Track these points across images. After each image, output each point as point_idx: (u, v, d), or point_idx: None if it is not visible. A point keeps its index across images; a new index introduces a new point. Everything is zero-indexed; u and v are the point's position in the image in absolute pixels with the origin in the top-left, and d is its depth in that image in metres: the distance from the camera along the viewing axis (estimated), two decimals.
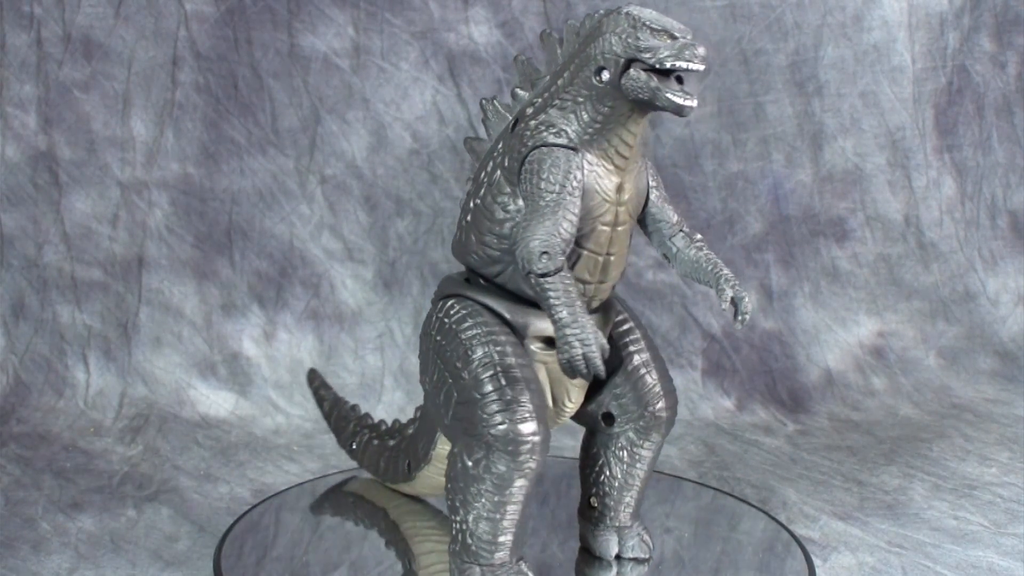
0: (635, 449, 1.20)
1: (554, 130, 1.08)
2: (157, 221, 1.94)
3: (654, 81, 1.02)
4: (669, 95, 1.02)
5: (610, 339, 1.19)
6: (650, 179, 1.15)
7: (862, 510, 1.52)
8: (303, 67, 1.96)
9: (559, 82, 1.10)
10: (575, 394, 1.18)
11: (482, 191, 1.14)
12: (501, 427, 1.05)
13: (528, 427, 1.05)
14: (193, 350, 1.90)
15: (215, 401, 1.86)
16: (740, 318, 1.12)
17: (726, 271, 1.14)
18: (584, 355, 1.01)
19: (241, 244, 1.95)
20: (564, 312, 1.02)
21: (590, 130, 1.07)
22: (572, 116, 1.08)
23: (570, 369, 1.02)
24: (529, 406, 1.06)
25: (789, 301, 2.04)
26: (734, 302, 1.12)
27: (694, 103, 1.02)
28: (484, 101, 1.19)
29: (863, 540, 1.42)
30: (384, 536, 1.35)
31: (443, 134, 1.98)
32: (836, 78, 2.08)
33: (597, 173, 1.08)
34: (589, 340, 1.01)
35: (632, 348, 1.20)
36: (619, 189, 1.10)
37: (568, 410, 1.19)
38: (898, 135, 2.10)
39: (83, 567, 1.33)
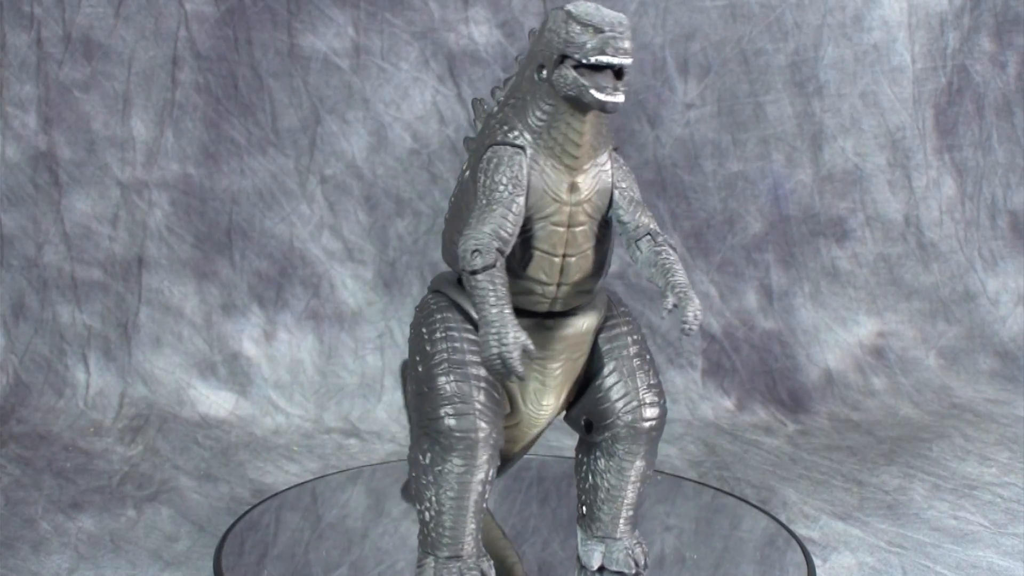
0: (615, 460, 1.15)
1: (507, 128, 1.08)
2: (157, 221, 1.94)
3: (582, 78, 1.00)
4: (593, 92, 1.00)
5: (595, 343, 1.15)
6: (617, 179, 1.10)
7: (862, 510, 1.52)
8: (303, 67, 1.96)
9: (515, 80, 1.10)
10: (547, 396, 1.15)
11: (457, 190, 1.15)
12: (446, 422, 1.06)
13: (470, 423, 1.06)
14: (193, 350, 1.90)
15: (215, 401, 1.86)
16: (684, 328, 1.06)
17: (678, 279, 1.08)
18: (500, 355, 1.00)
19: (241, 244, 1.95)
20: (487, 310, 1.02)
21: (537, 128, 1.06)
22: (523, 114, 1.07)
23: (488, 368, 1.02)
24: (476, 404, 1.07)
25: (789, 301, 2.04)
26: (679, 310, 1.07)
27: (618, 99, 1.00)
28: (475, 100, 1.19)
29: (863, 540, 1.42)
30: (384, 536, 1.35)
31: (443, 134, 1.98)
32: (836, 78, 2.08)
33: (546, 172, 1.07)
34: (507, 340, 1.00)
35: (614, 355, 1.15)
36: (572, 189, 1.07)
37: (545, 412, 1.17)
38: (898, 135, 2.10)
39: (83, 567, 1.33)
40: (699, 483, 1.54)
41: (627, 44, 1.00)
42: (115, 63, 1.93)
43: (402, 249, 1.98)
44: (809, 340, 2.01)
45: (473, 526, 1.11)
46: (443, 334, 1.10)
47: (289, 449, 1.73)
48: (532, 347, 1.02)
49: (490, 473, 1.09)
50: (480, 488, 1.09)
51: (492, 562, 1.13)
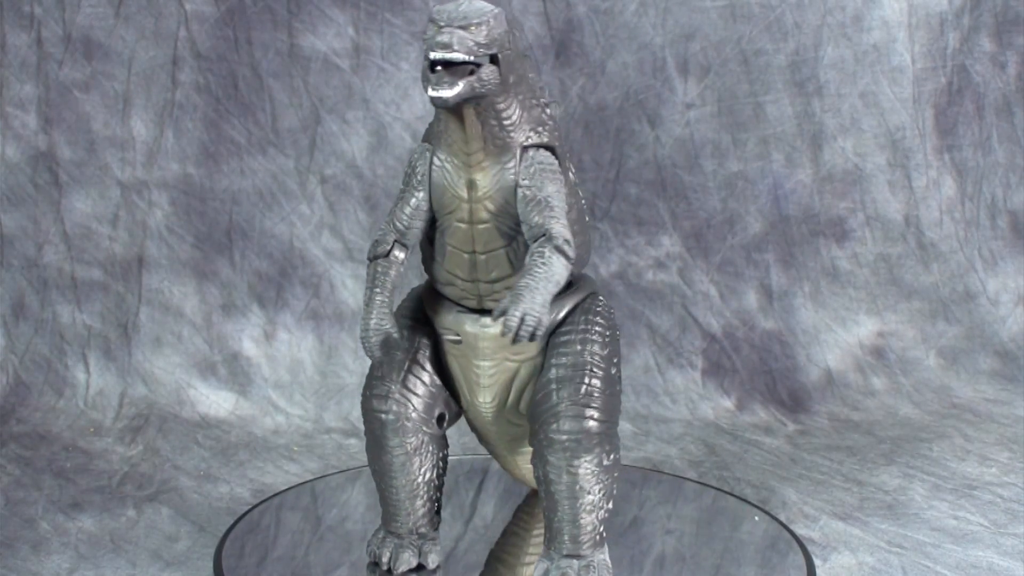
0: (545, 469, 1.09)
1: (430, 126, 1.11)
2: (157, 221, 1.94)
3: (425, 74, 1.00)
4: (428, 87, 0.99)
5: (546, 345, 1.13)
6: (522, 177, 1.06)
7: (862, 510, 1.52)
8: (303, 67, 1.96)
9: None
10: (482, 394, 1.16)
11: None
12: (363, 401, 1.15)
13: (377, 404, 1.13)
14: (193, 350, 1.90)
15: (215, 401, 1.86)
16: (502, 330, 0.99)
17: (526, 280, 1.00)
18: (361, 338, 1.10)
19: (241, 244, 1.95)
20: (365, 296, 1.10)
21: (437, 126, 1.08)
22: (435, 113, 1.09)
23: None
24: (389, 385, 1.12)
25: (789, 301, 2.04)
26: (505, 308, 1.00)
27: (442, 93, 0.98)
28: None
29: (863, 540, 1.42)
30: None
31: None
32: (836, 78, 2.08)
33: (447, 169, 1.07)
34: (368, 326, 1.08)
35: (553, 361, 1.11)
36: (470, 186, 1.07)
37: (485, 409, 1.17)
38: (898, 135, 2.10)
39: (83, 567, 1.33)
40: (700, 483, 1.54)
41: (448, 38, 0.98)
42: (115, 63, 1.93)
43: None
44: (809, 340, 2.01)
45: (410, 506, 1.16)
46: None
47: (289, 449, 1.73)
48: (396, 335, 1.09)
49: (417, 458, 1.14)
50: (404, 471, 1.14)
51: (438, 546, 1.19)
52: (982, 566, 1.35)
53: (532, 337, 0.98)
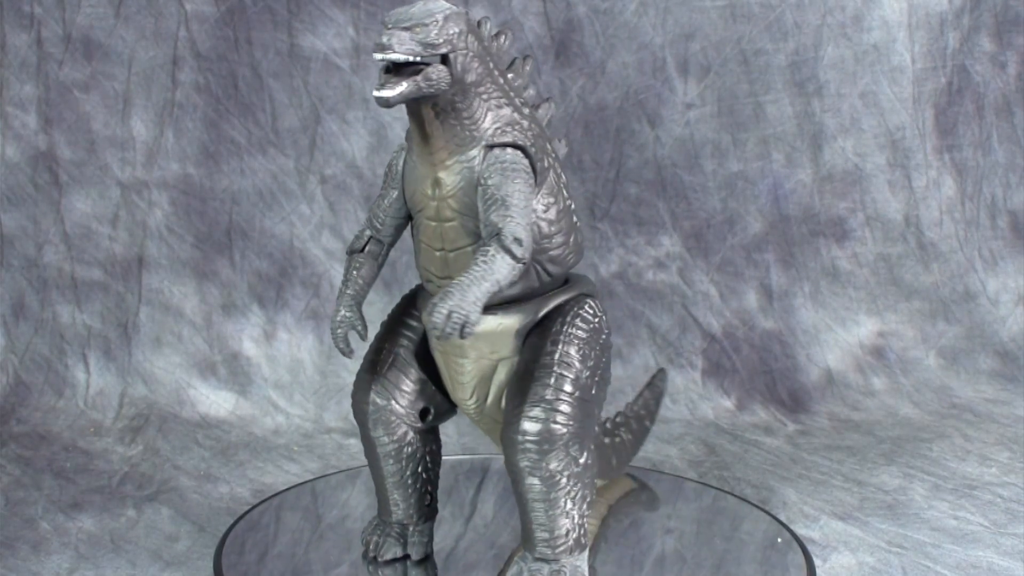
0: (511, 469, 1.09)
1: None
2: (157, 221, 1.94)
3: (379, 74, 1.02)
4: (374, 88, 1.01)
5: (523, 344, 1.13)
6: (485, 175, 1.05)
7: (862, 510, 1.52)
8: (303, 67, 1.96)
9: None
10: (461, 391, 1.17)
11: None
12: (352, 393, 1.20)
13: (361, 396, 1.17)
14: (193, 350, 1.90)
15: (215, 401, 1.86)
16: (428, 325, 1.02)
17: (460, 277, 1.01)
18: (330, 330, 1.18)
19: (241, 244, 1.95)
20: (340, 288, 1.17)
21: (408, 127, 1.10)
22: None
23: None
24: (369, 377, 1.17)
25: (789, 301, 2.04)
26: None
27: (383, 93, 0.99)
28: None
29: (863, 540, 1.42)
30: None
31: None
32: (836, 78, 2.08)
33: (416, 167, 1.09)
34: (336, 318, 1.16)
35: (524, 361, 1.11)
36: (436, 184, 1.07)
37: (468, 405, 1.18)
38: (898, 135, 2.10)
39: (83, 567, 1.33)
40: (701, 483, 1.54)
41: (388, 39, 0.98)
42: (115, 63, 1.93)
43: (402, 249, 1.97)
44: (809, 340, 2.01)
45: (397, 496, 1.20)
46: (387, 321, 1.23)
47: (289, 449, 1.73)
48: (360, 328, 1.16)
49: (402, 449, 1.18)
50: (388, 462, 1.18)
51: (426, 537, 1.22)
52: (982, 566, 1.35)
53: (461, 335, 0.98)
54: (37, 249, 1.92)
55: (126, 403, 1.84)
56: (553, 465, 1.06)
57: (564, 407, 1.06)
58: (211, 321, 1.92)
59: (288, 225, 1.96)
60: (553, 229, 1.10)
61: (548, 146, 1.13)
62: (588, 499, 1.10)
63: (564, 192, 1.14)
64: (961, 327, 2.09)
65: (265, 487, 1.58)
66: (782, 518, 1.44)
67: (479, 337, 1.09)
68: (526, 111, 1.11)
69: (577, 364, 1.09)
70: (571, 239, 1.14)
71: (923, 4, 2.10)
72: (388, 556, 1.22)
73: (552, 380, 1.07)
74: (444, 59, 1.01)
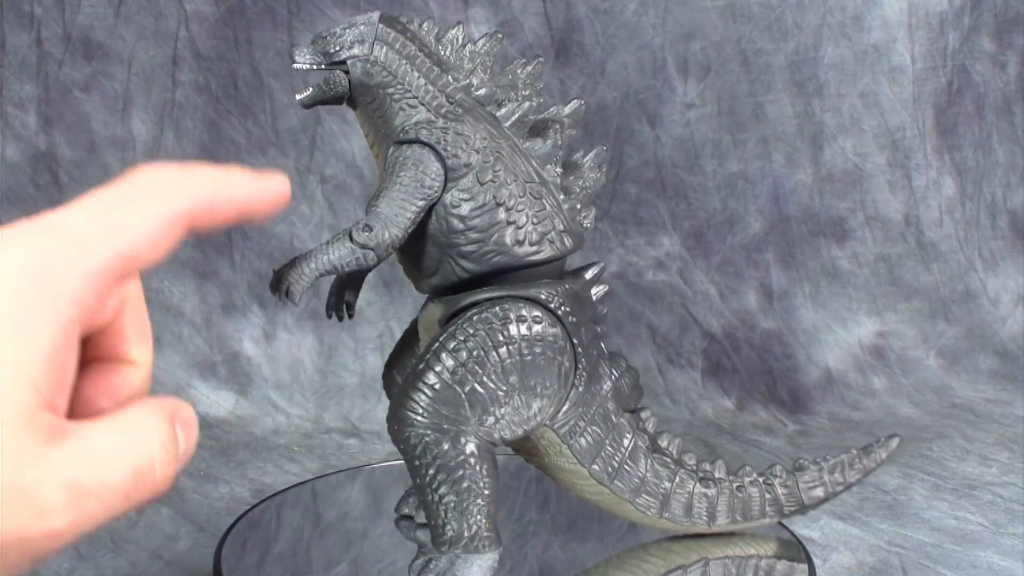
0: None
1: None
2: None
3: None
4: None
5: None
6: (386, 168, 1.13)
7: (862, 510, 1.52)
8: None
9: None
10: None
11: None
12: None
13: (387, 375, 1.33)
14: (193, 350, 1.90)
15: (215, 401, 1.86)
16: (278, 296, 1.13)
17: (307, 251, 1.15)
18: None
19: (241, 244, 1.95)
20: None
21: None
22: None
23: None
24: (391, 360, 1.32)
25: (789, 301, 2.04)
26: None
27: (298, 96, 1.15)
28: None
29: (863, 540, 1.42)
30: (384, 535, 1.35)
31: None
32: (836, 78, 2.08)
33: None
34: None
35: (415, 360, 1.13)
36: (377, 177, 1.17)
37: None
38: (898, 135, 2.10)
39: (83, 567, 1.33)
40: None
41: (296, 52, 1.15)
42: (115, 63, 1.93)
43: None
44: (809, 340, 2.01)
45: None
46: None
47: (289, 449, 1.73)
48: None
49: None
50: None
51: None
52: (982, 566, 1.35)
53: (287, 297, 1.11)
54: None
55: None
56: (423, 460, 1.08)
57: (419, 396, 1.08)
58: (211, 321, 1.92)
59: (288, 225, 1.96)
60: (464, 225, 1.13)
61: (496, 145, 1.13)
62: (481, 495, 1.08)
63: (514, 195, 1.13)
64: (961, 327, 2.09)
65: (265, 487, 1.58)
66: None
67: (423, 323, 1.20)
68: (459, 111, 1.14)
69: (448, 360, 1.09)
70: (493, 238, 1.13)
71: (923, 4, 2.10)
72: None
73: (420, 367, 1.09)
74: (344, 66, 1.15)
